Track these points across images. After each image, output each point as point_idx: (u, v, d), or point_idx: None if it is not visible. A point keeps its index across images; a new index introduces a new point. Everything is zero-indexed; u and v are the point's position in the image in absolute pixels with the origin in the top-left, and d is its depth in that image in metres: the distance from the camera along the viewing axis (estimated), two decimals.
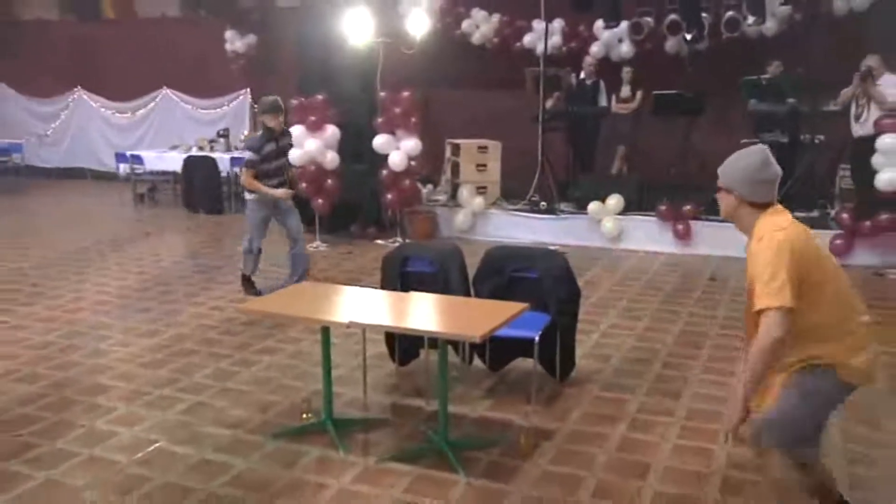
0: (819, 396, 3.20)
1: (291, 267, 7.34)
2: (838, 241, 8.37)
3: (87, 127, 15.87)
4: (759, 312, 2.99)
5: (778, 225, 3.11)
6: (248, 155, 7.14)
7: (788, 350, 3.11)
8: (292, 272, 7.30)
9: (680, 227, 9.08)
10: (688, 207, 9.07)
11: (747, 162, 3.21)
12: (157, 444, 4.33)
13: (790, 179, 8.88)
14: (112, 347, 5.92)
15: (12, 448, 4.29)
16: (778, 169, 3.23)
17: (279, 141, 7.14)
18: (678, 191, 9.57)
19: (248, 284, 7.31)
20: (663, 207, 9.12)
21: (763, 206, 3.18)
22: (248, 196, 7.21)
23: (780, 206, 3.23)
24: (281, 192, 7.06)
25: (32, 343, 6.03)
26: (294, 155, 9.30)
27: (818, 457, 3.31)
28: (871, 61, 8.14)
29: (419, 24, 10.32)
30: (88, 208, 12.81)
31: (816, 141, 8.91)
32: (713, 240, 8.92)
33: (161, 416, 4.69)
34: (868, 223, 8.16)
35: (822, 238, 8.42)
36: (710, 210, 9.05)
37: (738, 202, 3.21)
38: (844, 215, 8.36)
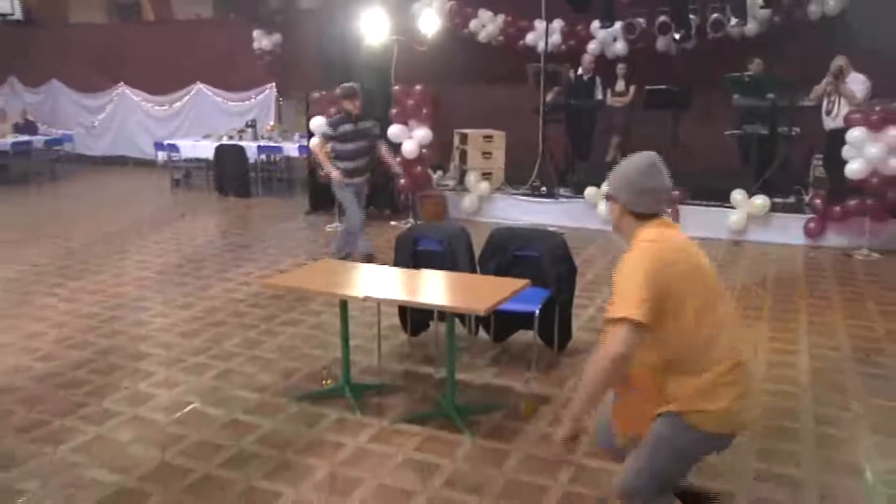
0: (668, 449, 2.62)
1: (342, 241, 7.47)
2: (811, 225, 8.32)
3: (129, 119, 15.83)
4: (608, 324, 2.48)
5: (650, 237, 2.60)
6: (323, 128, 7.35)
7: (652, 386, 2.59)
8: (344, 243, 7.37)
9: (669, 210, 9.01)
10: (676, 193, 8.99)
11: (632, 169, 2.71)
12: (192, 406, 4.35)
13: (770, 168, 8.84)
14: (152, 318, 5.93)
15: (68, 406, 4.35)
16: (666, 180, 2.69)
17: (357, 124, 7.11)
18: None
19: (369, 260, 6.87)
20: None
21: (646, 218, 2.66)
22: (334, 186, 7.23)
23: (667, 220, 2.73)
24: (335, 173, 7.05)
25: (81, 314, 6.04)
26: (314, 144, 9.26)
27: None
28: (840, 61, 8.08)
29: (430, 23, 10.24)
30: (130, 192, 12.81)
31: (793, 133, 8.85)
32: (698, 222, 8.80)
33: (196, 381, 4.70)
34: (838, 208, 8.10)
35: (797, 221, 8.40)
36: (695, 195, 9.01)
37: (621, 211, 2.70)
38: (817, 201, 8.30)
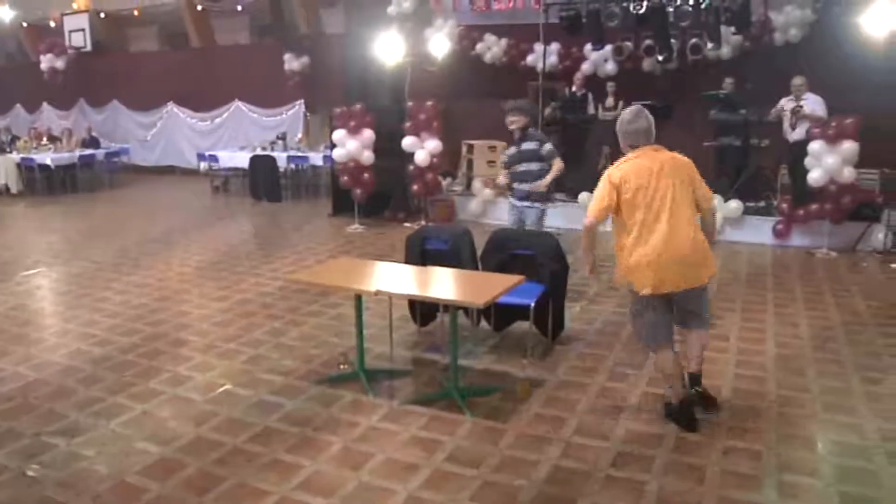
0: (631, 305, 3.70)
1: None
2: (779, 227, 8.23)
3: (176, 133, 15.89)
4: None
5: (627, 161, 3.54)
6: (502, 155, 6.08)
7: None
8: None
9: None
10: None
11: (624, 119, 3.57)
12: (224, 387, 4.34)
13: (742, 176, 8.75)
14: (191, 309, 5.93)
15: (120, 385, 4.38)
16: (646, 122, 3.54)
17: (520, 144, 5.65)
18: None
19: None
20: None
21: (635, 148, 3.55)
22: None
23: (655, 148, 3.58)
24: (500, 178, 5.79)
25: (132, 304, 6.06)
26: (337, 154, 9.24)
27: (659, 350, 3.68)
28: (798, 80, 8.03)
29: (441, 46, 10.22)
30: (176, 198, 12.84)
31: (763, 145, 8.77)
32: None
33: (228, 365, 4.69)
34: (801, 212, 8.01)
35: (767, 223, 8.31)
36: None
37: (622, 147, 3.60)
38: (784, 205, 8.20)
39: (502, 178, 5.78)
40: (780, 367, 4.54)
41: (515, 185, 5.73)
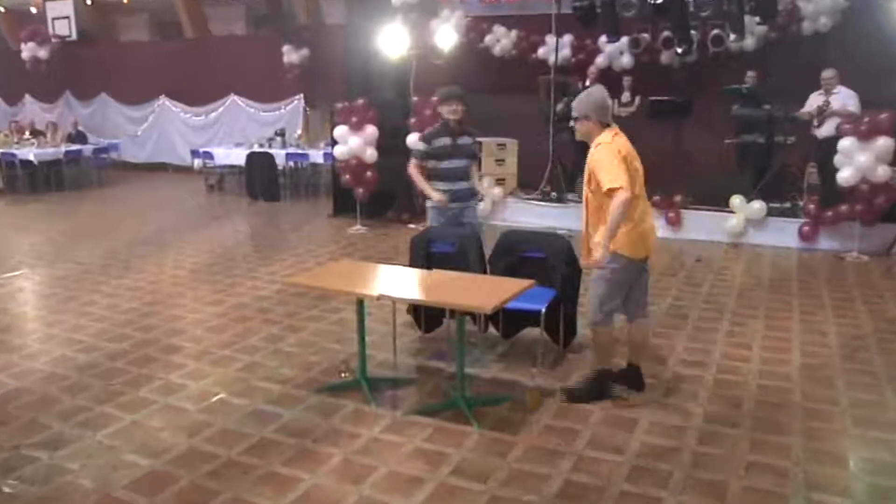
0: (613, 275, 3.99)
1: None
2: (806, 229, 8.21)
3: (169, 128, 15.97)
4: (612, 191, 3.72)
5: (610, 139, 3.87)
6: (415, 145, 5.75)
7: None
8: None
9: (671, 214, 8.92)
10: (678, 198, 8.92)
11: (597, 96, 3.97)
12: (219, 396, 4.36)
13: (766, 175, 8.73)
14: (184, 314, 5.96)
15: (106, 394, 4.39)
16: (609, 99, 4.00)
17: (457, 138, 5.32)
18: (670, 183, 9.43)
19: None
20: (657, 197, 8.93)
21: (606, 126, 3.94)
22: (428, 203, 5.47)
23: (615, 127, 3.95)
24: (436, 195, 5.23)
25: (121, 309, 6.09)
26: (338, 151, 9.27)
27: (611, 323, 4.12)
28: (828, 73, 8.02)
29: (447, 38, 10.24)
30: (168, 197, 12.91)
31: (788, 142, 8.75)
32: (700, 226, 8.79)
33: (223, 372, 4.72)
34: (830, 213, 7.99)
35: (792, 225, 8.30)
36: (696, 200, 8.92)
37: (592, 125, 3.93)
38: (811, 206, 8.18)
39: (438, 196, 5.24)
40: (807, 377, 4.53)
41: (443, 184, 5.30)
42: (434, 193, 5.26)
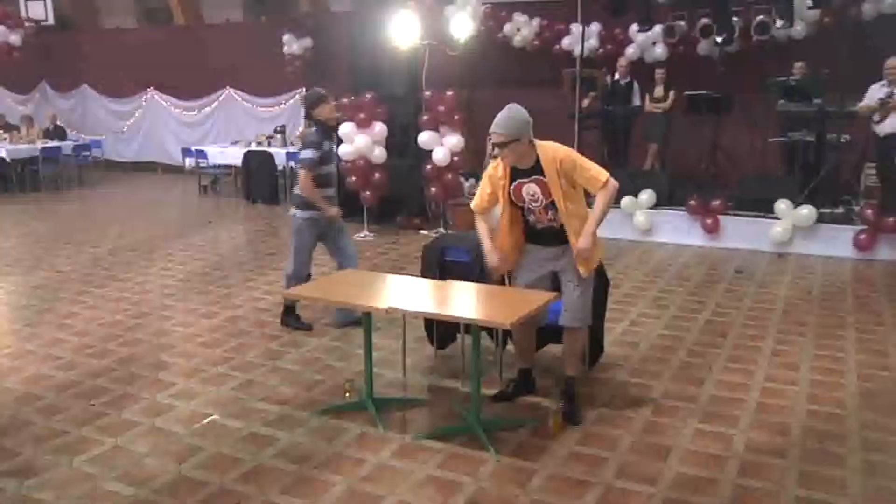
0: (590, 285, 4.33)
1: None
2: (863, 237, 8.14)
3: (158, 124, 16.15)
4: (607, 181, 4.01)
5: (553, 144, 4.07)
6: (306, 153, 5.50)
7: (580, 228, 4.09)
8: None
9: (708, 221, 8.89)
10: (716, 202, 8.88)
11: (521, 115, 3.98)
12: (211, 418, 4.37)
13: (817, 176, 8.66)
14: (174, 327, 6.00)
15: (86, 416, 4.40)
16: None
17: (335, 142, 5.63)
18: (707, 186, 9.41)
19: (292, 317, 5.87)
20: (693, 202, 8.94)
21: (533, 138, 4.05)
22: (296, 212, 5.65)
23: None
24: (333, 209, 5.59)
25: (104, 322, 6.14)
26: (344, 151, 9.33)
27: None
28: (893, 62, 7.94)
29: (463, 27, 10.27)
30: (157, 199, 13.03)
31: (842, 140, 8.68)
32: (740, 234, 8.74)
33: (216, 392, 4.74)
34: (892, 219, 7.92)
35: (846, 232, 8.24)
36: (736, 205, 8.87)
37: (527, 144, 3.99)
38: (869, 211, 8.12)
39: (335, 210, 5.68)
40: (865, 404, 4.48)
41: (329, 190, 5.66)
42: (332, 209, 5.60)
